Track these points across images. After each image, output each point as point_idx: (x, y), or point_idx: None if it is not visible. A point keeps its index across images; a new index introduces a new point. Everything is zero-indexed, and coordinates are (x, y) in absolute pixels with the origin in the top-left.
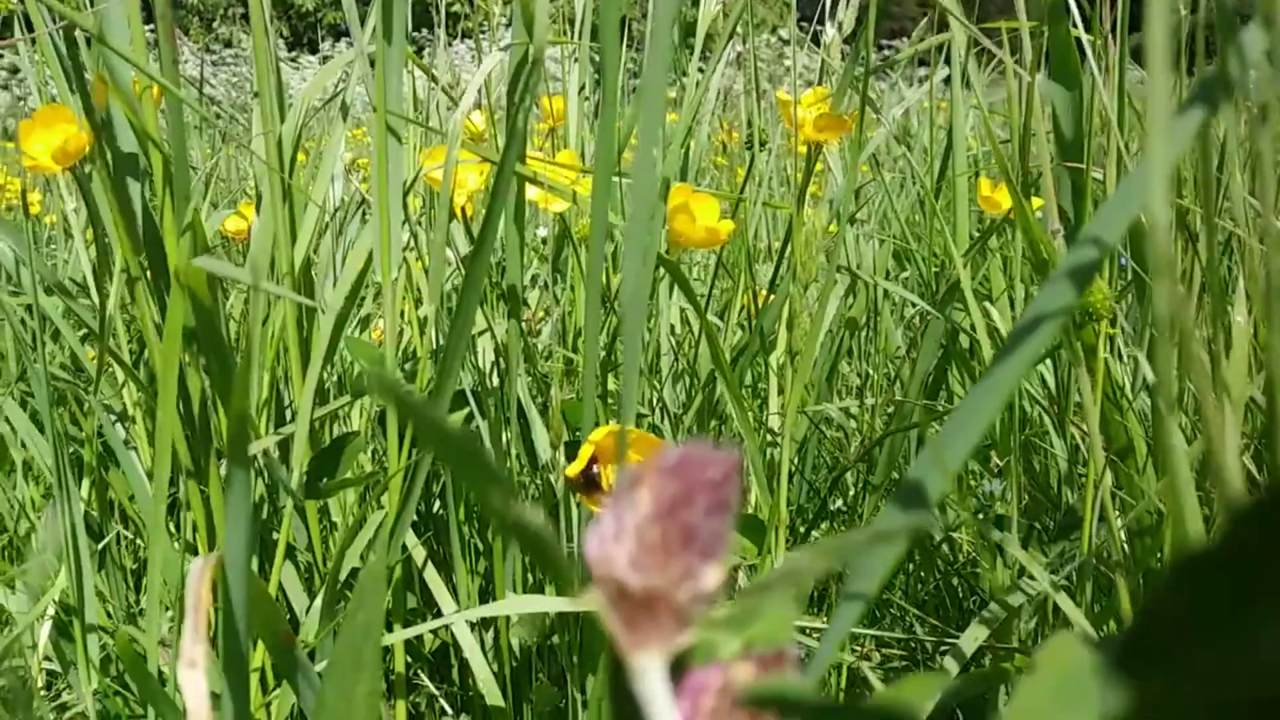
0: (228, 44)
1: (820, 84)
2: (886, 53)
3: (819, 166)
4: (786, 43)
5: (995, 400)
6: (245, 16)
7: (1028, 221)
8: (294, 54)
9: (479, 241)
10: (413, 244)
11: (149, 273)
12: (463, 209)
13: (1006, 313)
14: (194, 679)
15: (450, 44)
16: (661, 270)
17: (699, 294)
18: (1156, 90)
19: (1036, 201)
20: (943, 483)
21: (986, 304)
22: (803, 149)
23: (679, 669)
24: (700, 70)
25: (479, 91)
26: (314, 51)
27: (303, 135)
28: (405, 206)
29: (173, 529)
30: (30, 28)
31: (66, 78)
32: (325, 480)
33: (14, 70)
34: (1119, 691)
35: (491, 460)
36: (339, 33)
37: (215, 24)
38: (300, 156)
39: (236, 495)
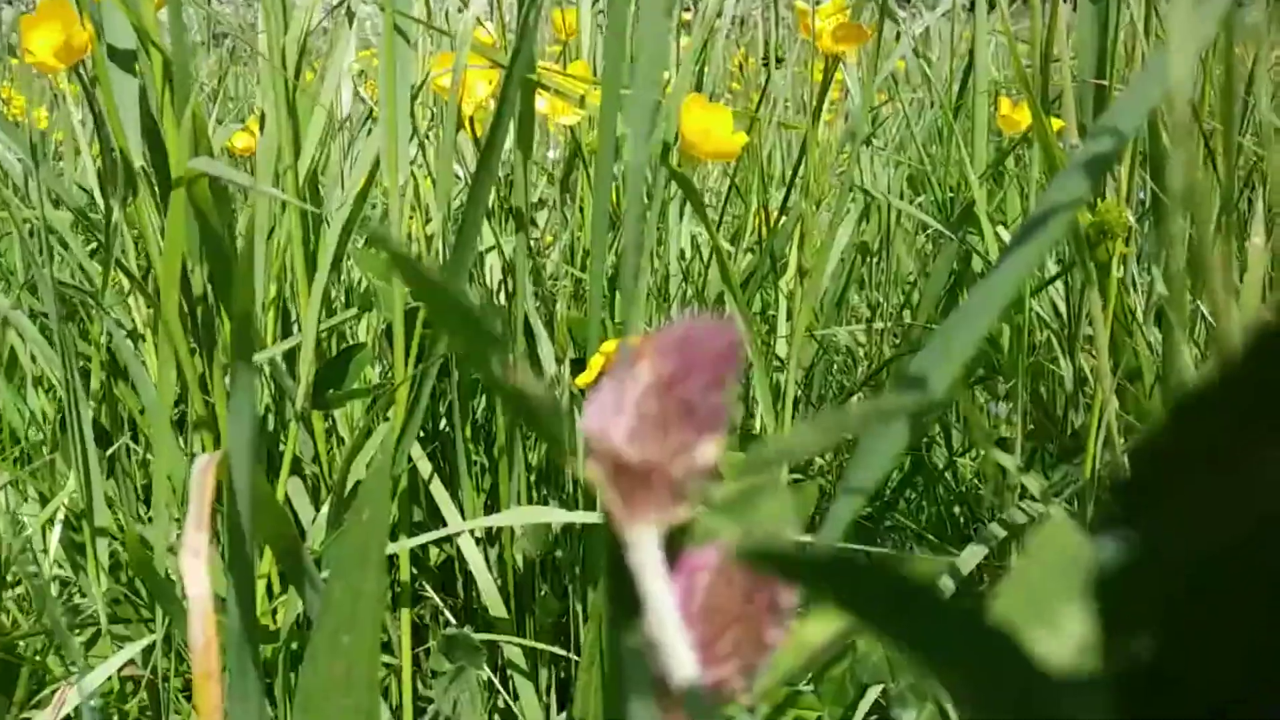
0: None
1: None
2: None
3: (835, 87)
4: None
5: (1002, 292)
6: None
7: (1046, 136)
8: None
9: (485, 149)
10: (420, 157)
11: (153, 178)
12: (470, 120)
13: None
14: (196, 566)
15: None
16: (672, 189)
17: (710, 217)
18: None
19: (1057, 123)
20: (948, 372)
21: (1000, 228)
22: (819, 63)
23: (677, 549)
24: None
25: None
26: None
27: (309, 50)
28: (414, 115)
29: (181, 443)
30: None
31: None
32: (331, 391)
33: None
34: (1118, 539)
35: (493, 327)
36: None
37: None
38: (308, 74)
39: (240, 393)
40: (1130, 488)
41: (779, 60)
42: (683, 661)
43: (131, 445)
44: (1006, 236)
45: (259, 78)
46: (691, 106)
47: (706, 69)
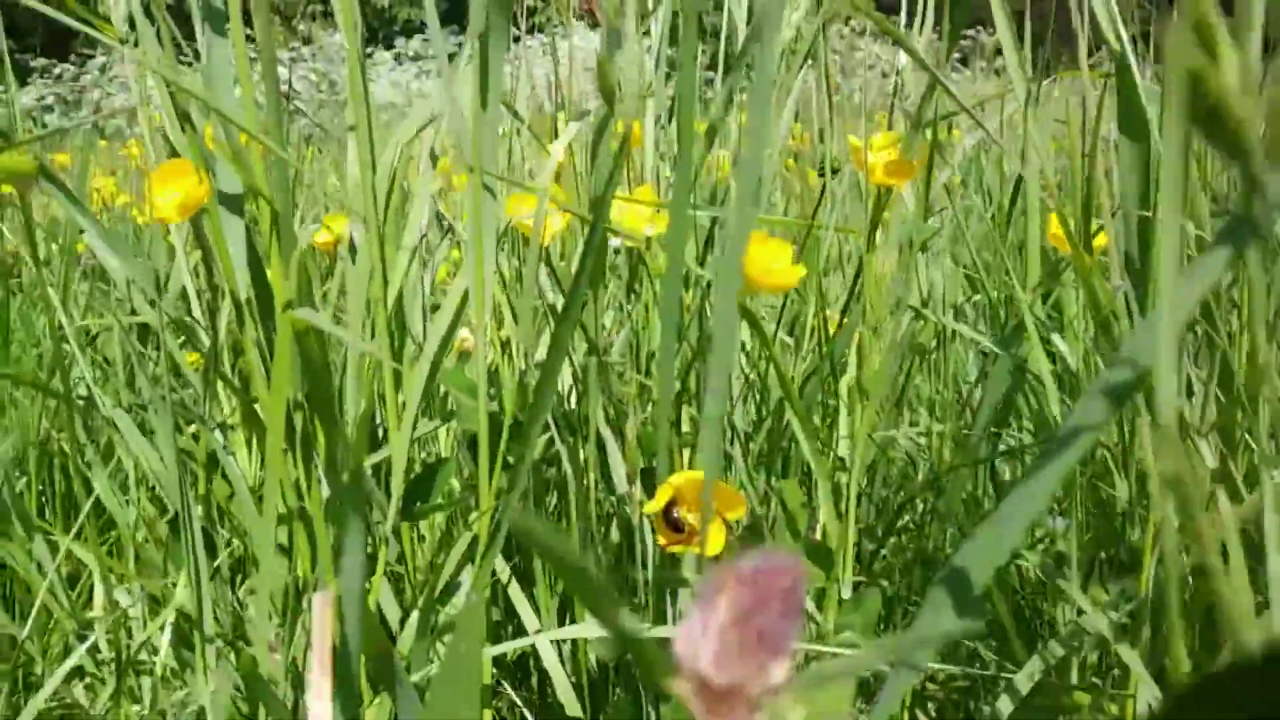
0: (306, 41)
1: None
2: (966, 41)
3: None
4: (860, 34)
5: (1027, 511)
6: (326, 13)
7: (1087, 275)
8: (369, 50)
9: (565, 310)
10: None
11: (256, 308)
12: (546, 250)
13: (1075, 343)
14: (320, 709)
15: (521, 39)
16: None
17: (773, 308)
18: (1168, 238)
19: (1103, 239)
20: (983, 579)
21: (1054, 338)
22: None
23: None
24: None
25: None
26: (389, 48)
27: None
28: (496, 259)
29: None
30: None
31: (181, 122)
32: (419, 504)
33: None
34: None
35: (602, 583)
36: (413, 29)
37: (296, 21)
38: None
39: (352, 535)
40: None
41: (835, 171)
42: None
43: (227, 536)
44: (1061, 347)
45: (332, 159)
46: (754, 244)
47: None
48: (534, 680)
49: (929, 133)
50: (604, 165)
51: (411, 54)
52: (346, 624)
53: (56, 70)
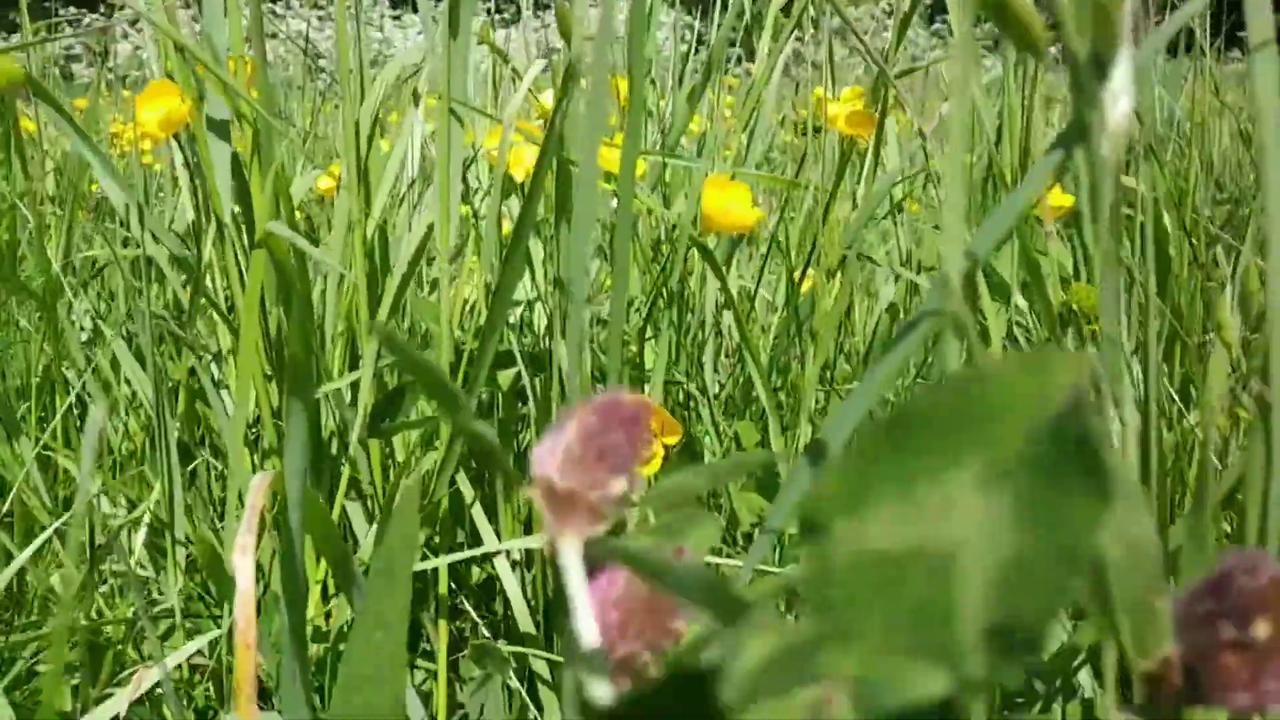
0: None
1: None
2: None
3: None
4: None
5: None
6: None
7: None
8: (398, 12)
9: (521, 212)
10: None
11: (241, 228)
12: (520, 185)
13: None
14: (244, 563)
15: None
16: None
17: (753, 272)
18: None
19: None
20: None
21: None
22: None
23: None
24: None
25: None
26: (416, 10)
27: (390, 103)
28: (465, 180)
29: (255, 462)
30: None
31: (179, 52)
32: (387, 421)
33: (134, 21)
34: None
35: (452, 385)
36: None
37: None
38: (394, 116)
39: (296, 418)
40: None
41: (816, 130)
42: (587, 635)
43: (211, 461)
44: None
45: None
46: (710, 185)
47: (755, 123)
48: (497, 604)
49: (886, 90)
50: (559, 115)
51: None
52: (289, 496)
53: (85, 20)
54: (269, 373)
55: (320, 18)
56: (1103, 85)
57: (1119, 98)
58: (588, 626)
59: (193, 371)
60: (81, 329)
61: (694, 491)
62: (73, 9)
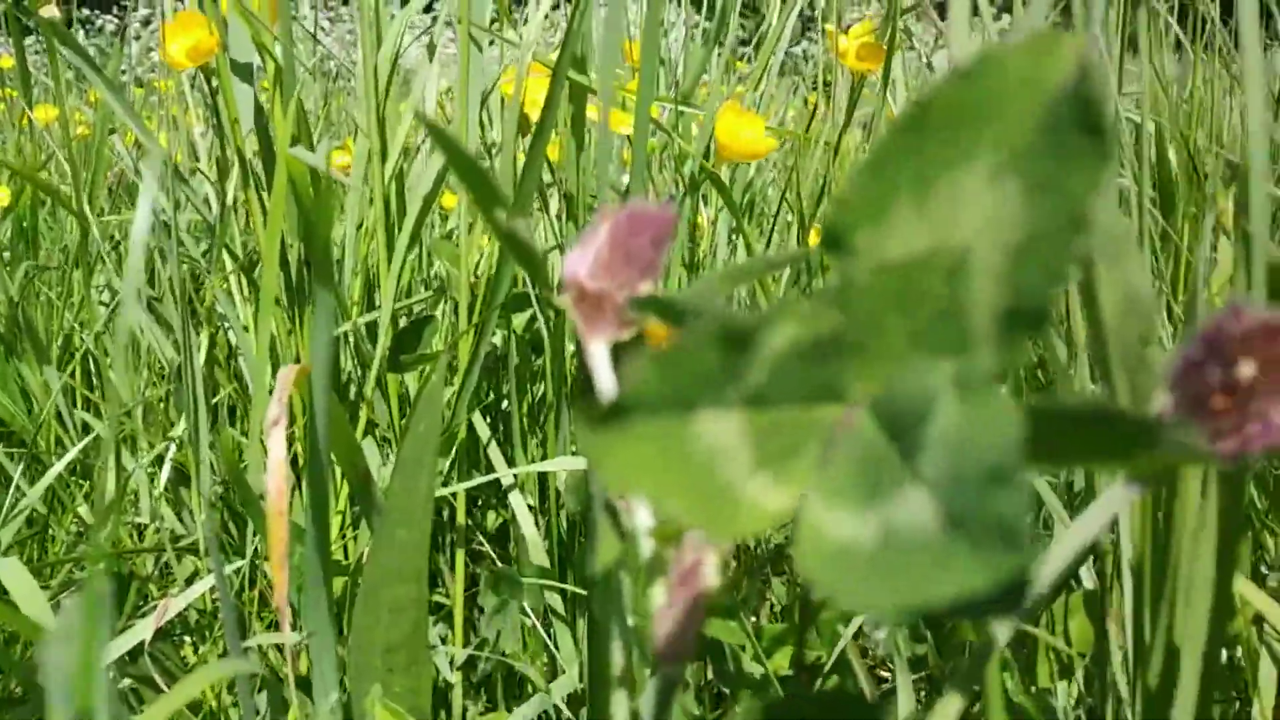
0: (345, 1)
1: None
2: None
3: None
4: None
5: None
6: None
7: None
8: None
9: (531, 147)
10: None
11: (263, 164)
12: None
13: None
14: (276, 434)
15: None
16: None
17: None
18: None
19: None
20: None
21: None
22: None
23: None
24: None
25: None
26: (428, 10)
27: (400, 71)
28: (482, 118)
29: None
30: None
31: None
32: (404, 356)
33: (146, 22)
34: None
35: (497, 182)
36: None
37: None
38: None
39: (320, 313)
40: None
41: (827, 84)
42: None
43: (235, 399)
44: None
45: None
46: (725, 112)
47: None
48: (511, 546)
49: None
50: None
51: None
52: (315, 397)
53: (98, 22)
54: (289, 318)
55: (331, 19)
56: None
57: None
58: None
59: (218, 326)
60: (101, 304)
61: (720, 291)
62: (85, 10)
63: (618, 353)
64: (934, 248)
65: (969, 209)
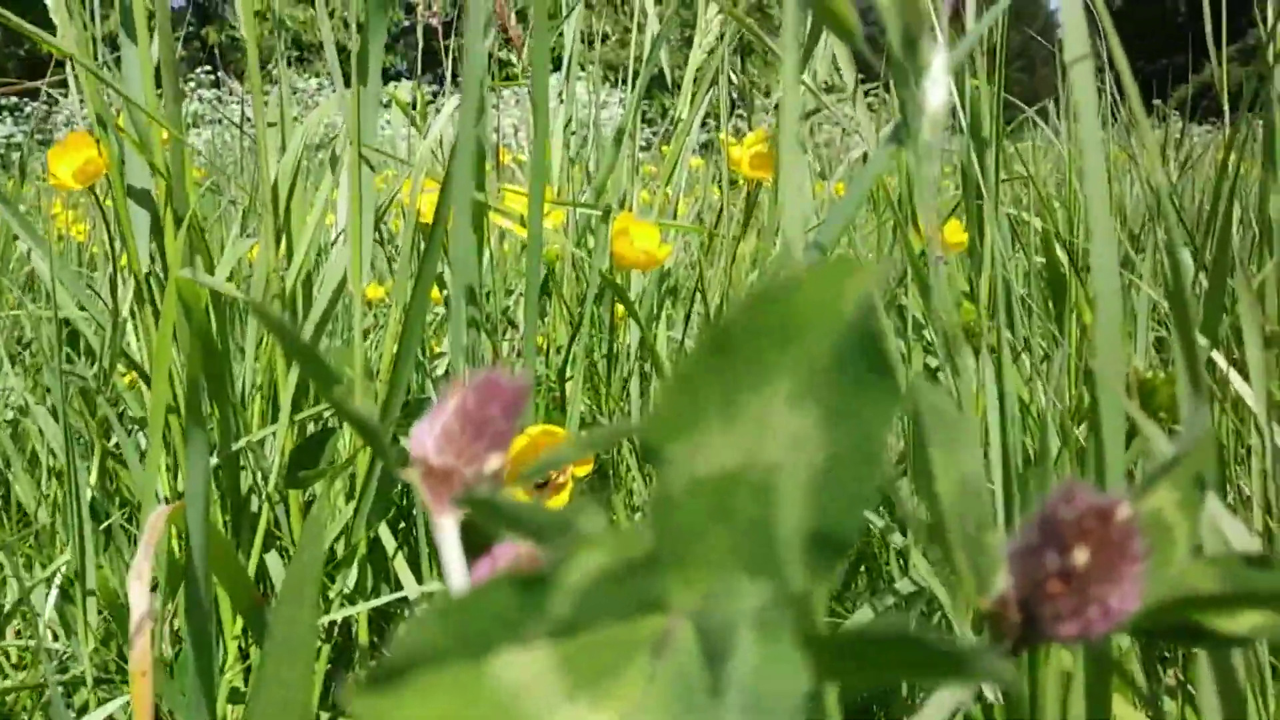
0: (274, 83)
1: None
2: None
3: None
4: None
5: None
6: (300, 59)
7: (912, 253)
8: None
9: (427, 248)
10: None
11: (161, 282)
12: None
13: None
14: (139, 588)
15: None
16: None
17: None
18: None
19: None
20: None
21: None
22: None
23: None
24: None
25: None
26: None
27: (310, 167)
28: (381, 227)
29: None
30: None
31: (99, 120)
32: (303, 471)
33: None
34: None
35: (329, 365)
36: (389, 75)
37: (270, 66)
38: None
39: (195, 453)
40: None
41: (733, 182)
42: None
43: (125, 526)
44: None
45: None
46: (620, 222)
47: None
48: None
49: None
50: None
51: (385, 100)
52: (191, 531)
53: (27, 110)
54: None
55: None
56: (921, 75)
57: (936, 84)
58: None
59: (110, 433)
60: (7, 405)
61: (564, 463)
62: (14, 98)
63: (468, 528)
64: (744, 465)
65: (774, 429)
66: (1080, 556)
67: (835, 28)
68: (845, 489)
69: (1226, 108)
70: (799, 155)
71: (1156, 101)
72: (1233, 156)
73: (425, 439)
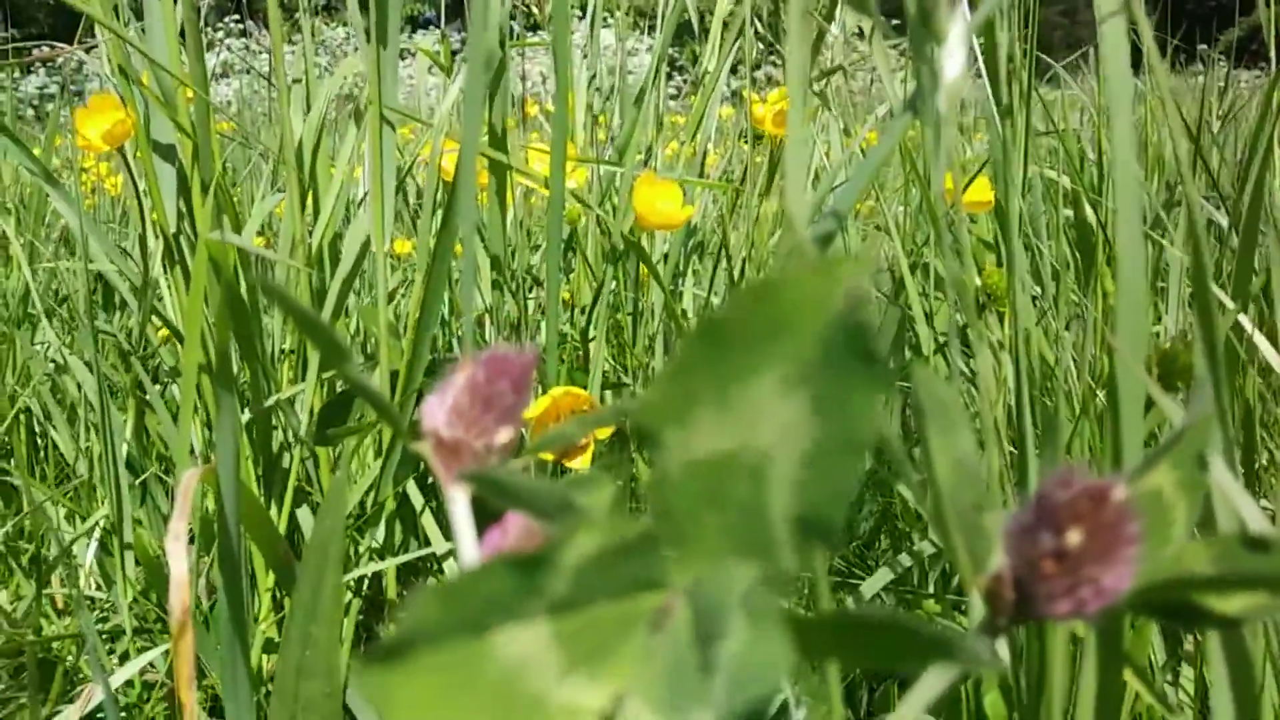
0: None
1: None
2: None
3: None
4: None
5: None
6: (327, 7)
7: (934, 215)
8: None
9: (447, 210)
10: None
11: (190, 241)
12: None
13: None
14: (177, 548)
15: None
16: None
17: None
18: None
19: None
20: None
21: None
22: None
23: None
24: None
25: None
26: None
27: (337, 119)
28: (401, 189)
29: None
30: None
31: (124, 76)
32: (331, 429)
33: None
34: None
35: (341, 341)
36: (418, 23)
37: (296, 14)
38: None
39: (224, 414)
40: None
41: (758, 137)
42: (469, 565)
43: (162, 477)
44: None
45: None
46: (641, 184)
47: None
48: None
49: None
50: (484, 103)
51: (412, 49)
52: (223, 493)
53: (59, 60)
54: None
55: (292, 52)
56: (938, 45)
57: (953, 55)
58: (472, 558)
59: (143, 389)
60: (49, 360)
61: (573, 438)
62: (46, 47)
63: (480, 500)
64: (737, 449)
65: (765, 416)
66: (1074, 537)
67: (852, 1)
68: (832, 476)
69: (1274, 54)
70: (804, 131)
71: (1203, 45)
72: (1273, 107)
73: (436, 412)
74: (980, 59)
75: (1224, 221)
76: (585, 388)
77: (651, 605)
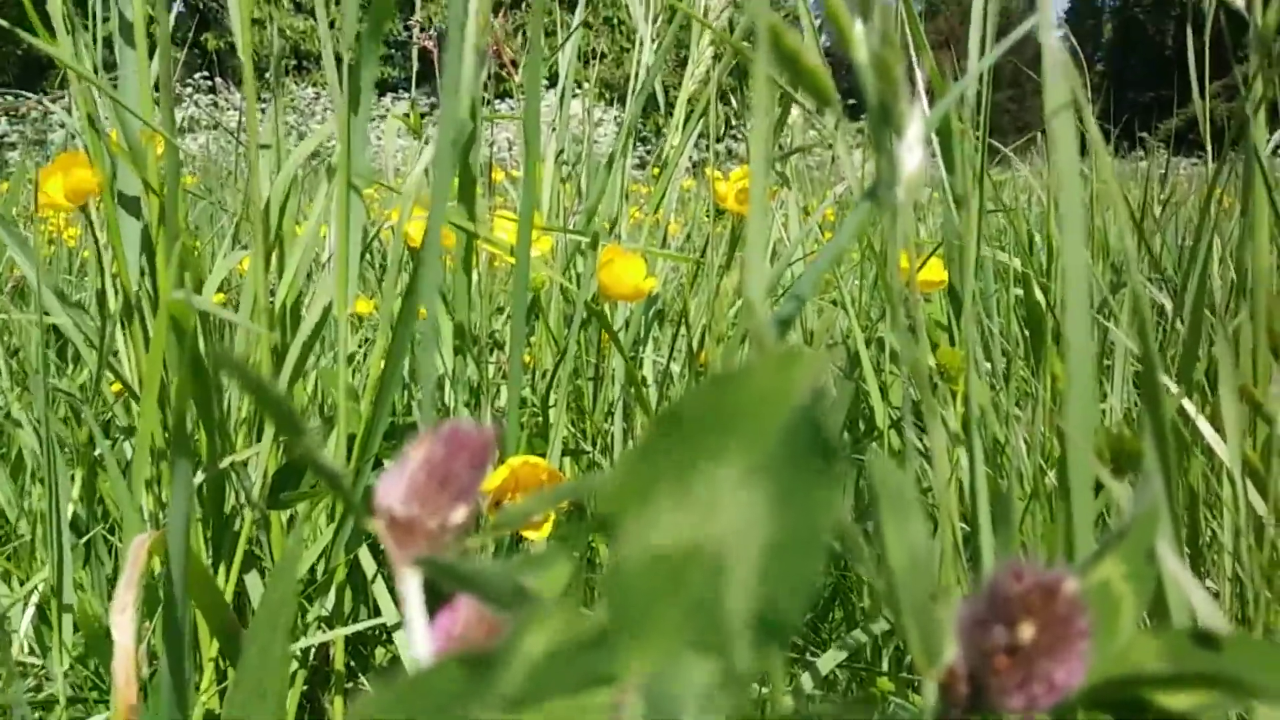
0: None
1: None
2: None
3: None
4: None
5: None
6: (298, 68)
7: (890, 293)
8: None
9: (413, 276)
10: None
11: (151, 298)
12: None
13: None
14: (122, 620)
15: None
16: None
17: (666, 347)
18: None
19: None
20: None
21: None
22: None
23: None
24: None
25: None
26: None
27: (303, 186)
28: (366, 253)
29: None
30: (64, 85)
31: (93, 128)
32: (284, 493)
33: (70, 110)
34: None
35: (296, 414)
36: (388, 86)
37: (267, 73)
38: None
39: (179, 480)
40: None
41: (720, 212)
42: (420, 649)
43: (107, 536)
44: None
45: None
46: (606, 254)
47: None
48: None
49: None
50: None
51: (382, 112)
52: (171, 560)
53: (22, 109)
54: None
55: (261, 109)
56: (898, 138)
57: (913, 149)
58: (424, 653)
59: (94, 445)
60: None
61: (530, 515)
62: (9, 97)
63: (417, 565)
64: (695, 541)
65: (725, 507)
66: (1026, 632)
67: (813, 94)
68: (790, 572)
69: (1209, 147)
70: (765, 221)
71: (1143, 135)
72: (1214, 198)
73: (392, 489)
74: (936, 145)
75: (1168, 304)
76: (545, 454)
77: (606, 700)
